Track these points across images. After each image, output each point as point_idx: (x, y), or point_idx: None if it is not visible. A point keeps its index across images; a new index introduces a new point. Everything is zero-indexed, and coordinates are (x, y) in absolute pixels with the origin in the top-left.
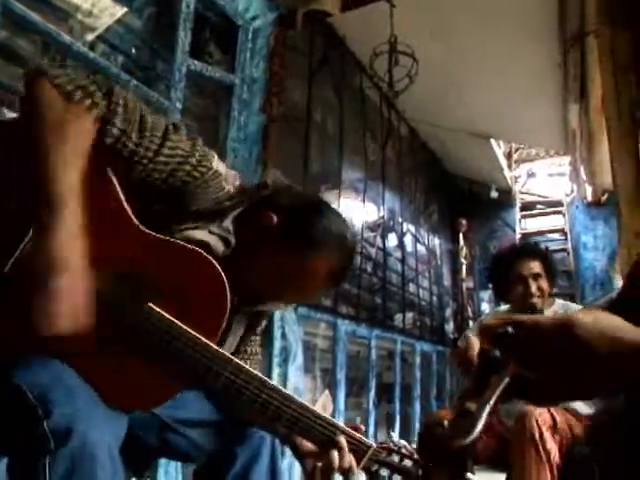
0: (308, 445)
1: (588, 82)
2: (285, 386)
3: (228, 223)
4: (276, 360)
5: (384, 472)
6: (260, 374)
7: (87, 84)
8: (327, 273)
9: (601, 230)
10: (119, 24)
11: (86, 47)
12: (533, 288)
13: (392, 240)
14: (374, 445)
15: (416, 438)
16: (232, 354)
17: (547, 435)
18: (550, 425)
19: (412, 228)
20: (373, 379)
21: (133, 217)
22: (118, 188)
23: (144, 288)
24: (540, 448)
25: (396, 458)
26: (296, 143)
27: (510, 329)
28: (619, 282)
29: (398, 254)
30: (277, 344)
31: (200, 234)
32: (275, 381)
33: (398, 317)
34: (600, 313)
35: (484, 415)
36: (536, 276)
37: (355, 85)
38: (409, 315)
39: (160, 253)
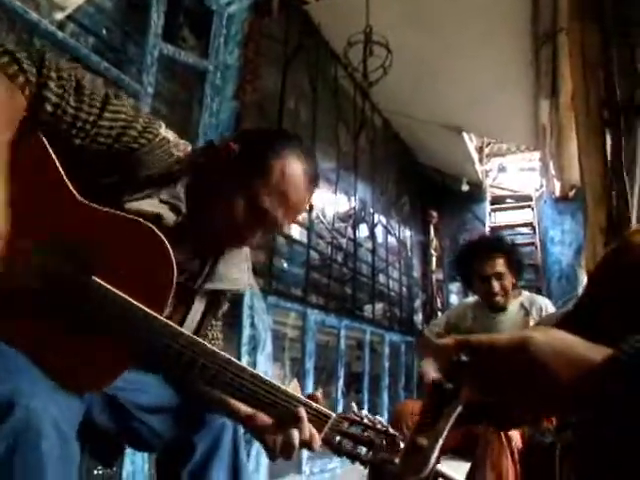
0: (265, 419)
1: (559, 79)
2: None
3: (180, 189)
4: (245, 348)
5: (348, 445)
6: (214, 348)
7: (15, 50)
8: (292, 182)
9: (568, 225)
10: (89, 4)
11: (54, 26)
12: (496, 288)
13: (363, 231)
14: (334, 415)
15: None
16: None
17: None
18: None
19: (383, 219)
20: (342, 369)
21: (73, 190)
22: (57, 162)
23: (87, 262)
24: (503, 436)
25: (359, 429)
26: None
27: (464, 357)
28: (584, 277)
29: (369, 245)
30: (246, 332)
31: (150, 205)
32: None
33: (368, 307)
34: (554, 331)
35: (437, 449)
36: (499, 275)
37: (329, 74)
38: (379, 306)
39: (102, 226)
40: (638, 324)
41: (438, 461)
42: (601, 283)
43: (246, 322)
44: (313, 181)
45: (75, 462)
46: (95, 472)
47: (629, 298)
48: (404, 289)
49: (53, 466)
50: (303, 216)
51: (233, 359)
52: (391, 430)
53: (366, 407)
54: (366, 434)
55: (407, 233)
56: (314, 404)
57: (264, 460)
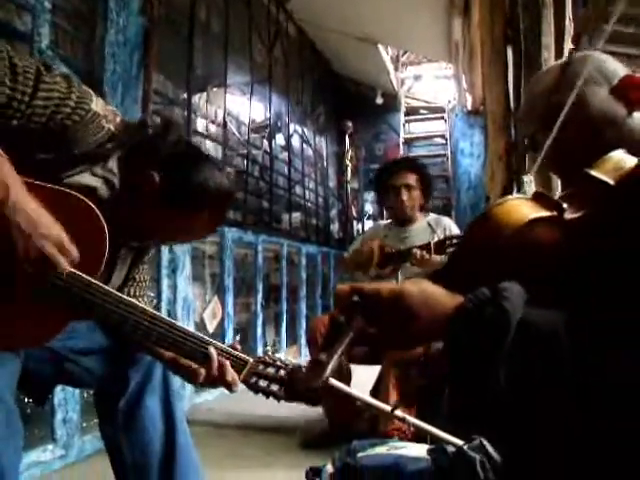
0: (185, 362)
1: None
2: (175, 296)
3: (112, 164)
4: (165, 272)
5: (263, 383)
6: (144, 305)
7: None
8: (207, 221)
9: (477, 137)
10: None
11: None
12: (405, 197)
13: (279, 142)
14: (251, 360)
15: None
16: (122, 284)
17: None
18: None
19: (299, 130)
20: (260, 282)
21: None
22: None
23: None
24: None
25: (272, 370)
26: (179, 45)
27: (356, 298)
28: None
29: (284, 156)
30: (165, 256)
31: (85, 178)
32: (164, 292)
33: (285, 217)
34: (426, 284)
35: (332, 363)
36: (408, 187)
37: None
38: (295, 215)
39: (40, 200)
40: (487, 282)
41: (333, 371)
42: (465, 245)
43: (165, 246)
44: (226, 212)
45: (21, 433)
46: (26, 400)
47: (482, 262)
48: (320, 199)
49: (2, 444)
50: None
51: (159, 314)
52: (302, 368)
53: (285, 317)
54: (279, 373)
55: (323, 143)
56: (233, 351)
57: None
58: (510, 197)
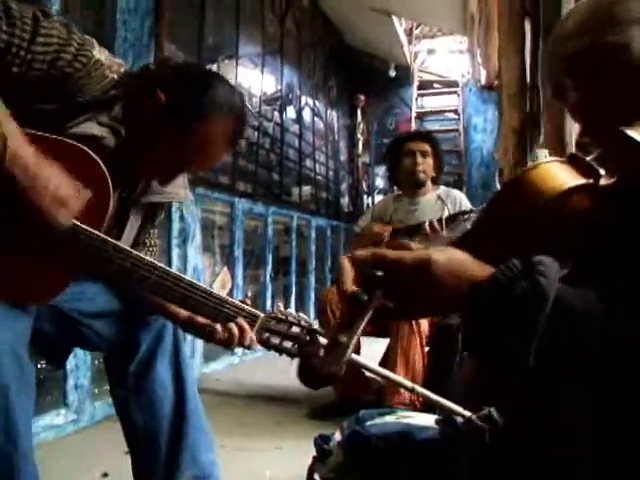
0: (200, 322)
1: None
2: (185, 266)
3: (117, 111)
4: (175, 241)
5: (275, 340)
6: (153, 260)
7: None
8: (221, 139)
9: (491, 113)
10: None
11: None
12: (419, 159)
13: (290, 115)
14: (262, 315)
15: (314, 312)
16: (131, 246)
17: None
18: None
19: (310, 102)
20: (270, 254)
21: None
22: None
23: None
24: (413, 323)
25: (284, 326)
26: (191, 15)
27: (378, 273)
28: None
29: (295, 129)
30: (175, 226)
31: (89, 127)
32: (174, 262)
33: (295, 190)
34: (452, 251)
35: (352, 344)
36: (424, 153)
37: None
38: (305, 188)
39: (40, 151)
40: (517, 252)
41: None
42: (494, 211)
43: (175, 216)
44: (241, 131)
45: (33, 387)
46: (39, 365)
47: (513, 230)
48: (331, 173)
49: (16, 396)
50: None
51: (171, 270)
52: (313, 326)
53: (294, 289)
54: (291, 330)
55: (334, 116)
56: (245, 307)
57: (199, 345)
58: (545, 160)
